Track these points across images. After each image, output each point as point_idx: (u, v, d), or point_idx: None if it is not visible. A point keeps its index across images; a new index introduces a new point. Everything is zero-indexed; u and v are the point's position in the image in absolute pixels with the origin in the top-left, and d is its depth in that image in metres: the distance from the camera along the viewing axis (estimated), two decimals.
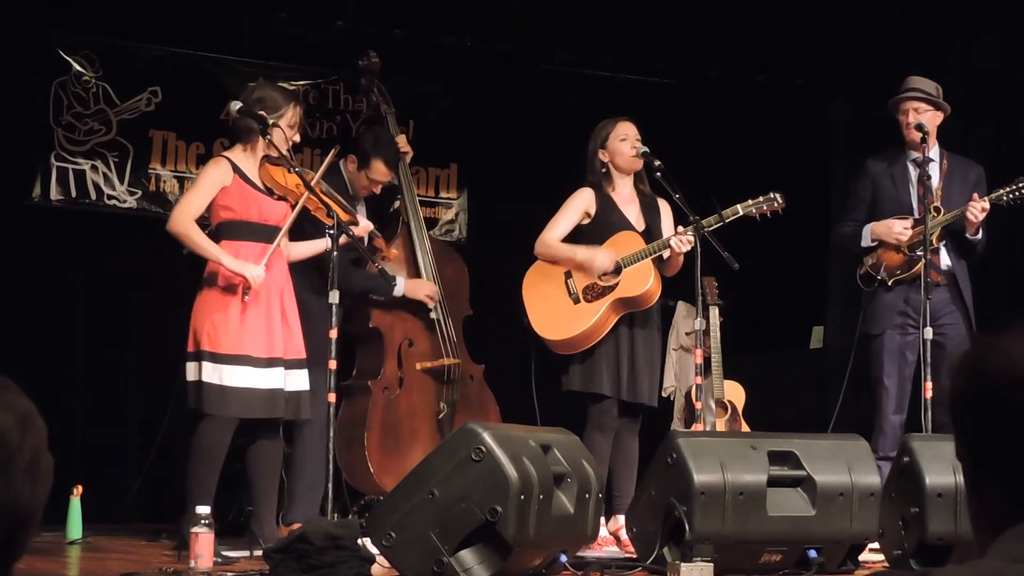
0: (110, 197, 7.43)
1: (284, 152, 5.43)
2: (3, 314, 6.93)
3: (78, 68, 7.37)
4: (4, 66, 7.13)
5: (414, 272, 6.45)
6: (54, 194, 7.30)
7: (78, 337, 7.36)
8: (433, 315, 6.41)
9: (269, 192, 5.48)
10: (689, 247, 5.88)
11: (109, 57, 7.44)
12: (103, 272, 7.36)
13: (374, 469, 6.19)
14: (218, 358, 5.30)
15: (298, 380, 5.49)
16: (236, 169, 5.45)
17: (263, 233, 5.46)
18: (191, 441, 5.38)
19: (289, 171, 5.44)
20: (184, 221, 5.37)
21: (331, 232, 5.35)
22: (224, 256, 5.34)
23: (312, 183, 5.41)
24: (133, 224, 7.48)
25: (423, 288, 6.35)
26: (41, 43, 7.29)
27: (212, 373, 5.29)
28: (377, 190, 6.38)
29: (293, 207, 5.52)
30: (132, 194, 7.47)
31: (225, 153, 5.60)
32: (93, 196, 7.39)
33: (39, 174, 7.28)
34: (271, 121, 5.36)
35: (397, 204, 6.68)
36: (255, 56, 7.72)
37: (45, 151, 7.29)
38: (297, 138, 5.52)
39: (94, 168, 7.39)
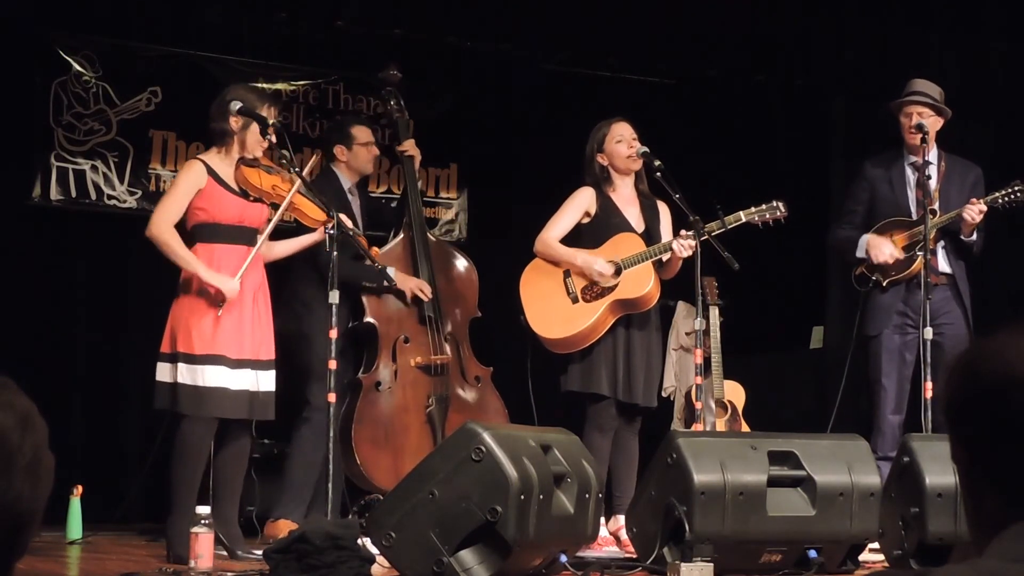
0: (110, 197, 7.43)
1: (260, 153, 5.43)
2: (3, 314, 6.93)
3: (78, 68, 7.37)
4: (4, 66, 7.13)
5: (412, 273, 6.45)
6: (54, 194, 7.30)
7: (78, 337, 7.37)
8: (428, 312, 6.42)
9: (245, 194, 5.44)
10: (690, 253, 5.88)
11: (109, 57, 7.44)
12: (103, 272, 7.36)
13: (361, 461, 6.20)
14: (193, 359, 5.27)
15: (268, 381, 5.45)
16: (210, 171, 5.40)
17: (240, 235, 5.43)
18: (173, 444, 5.35)
19: (269, 172, 5.43)
20: (163, 227, 5.33)
21: (331, 232, 5.35)
22: (200, 267, 5.30)
23: (296, 181, 5.39)
24: (133, 224, 7.44)
25: (410, 280, 6.36)
26: (41, 43, 7.29)
27: (187, 374, 5.26)
28: (375, 152, 6.51)
29: (271, 208, 5.51)
30: (132, 194, 7.47)
31: (199, 156, 5.57)
32: (93, 196, 7.39)
33: (39, 174, 7.28)
34: (272, 121, 5.36)
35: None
36: (255, 56, 7.72)
37: (45, 151, 7.29)
38: (273, 139, 5.48)
39: (94, 168, 7.40)
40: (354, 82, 7.91)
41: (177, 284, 5.40)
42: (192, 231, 5.41)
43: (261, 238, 5.46)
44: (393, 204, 7.05)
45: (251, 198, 5.45)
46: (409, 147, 6.62)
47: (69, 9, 7.30)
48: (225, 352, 5.30)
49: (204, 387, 5.26)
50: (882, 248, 6.28)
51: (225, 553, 5.30)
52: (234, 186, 5.43)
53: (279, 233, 5.74)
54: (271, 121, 5.37)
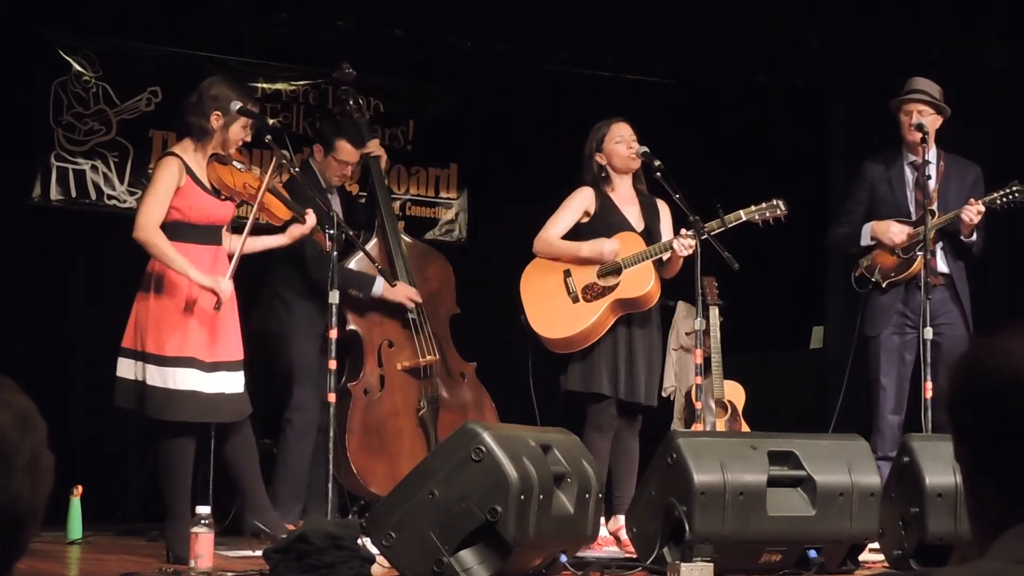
0: (110, 197, 7.43)
1: (234, 151, 5.36)
2: (3, 314, 6.93)
3: (78, 68, 7.36)
4: (4, 66, 7.13)
5: (390, 274, 6.42)
6: (54, 194, 7.30)
7: (78, 336, 7.36)
8: (411, 315, 6.39)
9: (216, 192, 5.36)
10: (690, 252, 5.87)
11: (109, 57, 7.44)
12: (103, 272, 7.36)
13: (357, 470, 6.17)
14: (164, 361, 5.19)
15: (237, 382, 5.36)
16: (187, 169, 5.31)
17: (209, 235, 5.35)
18: (156, 449, 5.32)
19: (240, 170, 5.34)
20: (150, 230, 5.22)
21: (331, 233, 5.34)
22: (191, 269, 5.21)
23: (264, 182, 5.32)
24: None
25: (401, 291, 6.33)
26: (41, 43, 7.28)
27: (156, 376, 5.19)
28: (348, 172, 6.39)
29: (238, 206, 5.47)
30: (132, 194, 7.46)
31: (175, 150, 5.43)
32: (93, 196, 7.39)
33: (39, 174, 7.28)
34: (227, 119, 5.29)
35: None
36: (255, 56, 7.72)
37: (45, 151, 7.28)
38: (248, 137, 5.40)
39: (94, 168, 7.39)
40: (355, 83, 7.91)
41: (145, 276, 5.31)
42: (162, 228, 5.29)
43: (242, 238, 5.36)
44: (363, 200, 6.96)
45: (222, 196, 5.37)
46: (373, 147, 6.54)
47: (69, 9, 7.30)
48: (197, 355, 5.22)
49: (175, 390, 5.18)
50: (890, 228, 6.27)
51: (268, 542, 5.28)
52: (207, 184, 5.34)
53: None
54: (271, 122, 5.35)
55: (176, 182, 5.28)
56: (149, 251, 5.27)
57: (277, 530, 5.31)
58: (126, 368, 5.27)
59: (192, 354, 5.21)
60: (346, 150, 6.28)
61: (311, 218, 5.52)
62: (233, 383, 5.34)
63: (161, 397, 5.18)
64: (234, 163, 5.37)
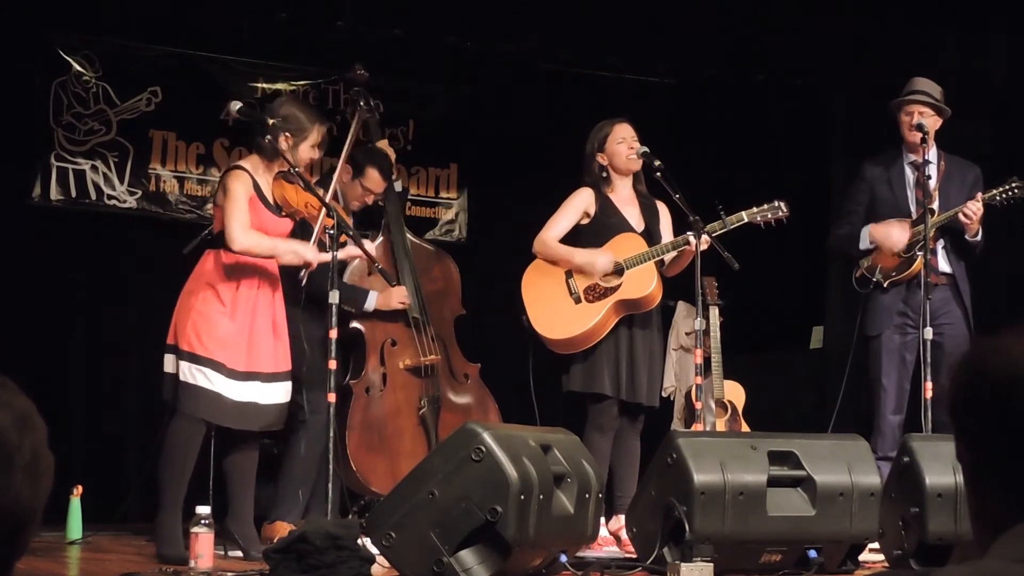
0: (110, 197, 7.43)
1: (302, 170, 5.42)
2: (3, 314, 6.93)
3: (78, 68, 7.36)
4: (4, 66, 7.13)
5: (393, 275, 6.41)
6: (54, 194, 7.30)
7: (78, 337, 7.36)
8: (413, 314, 6.40)
9: (277, 209, 5.47)
10: (706, 246, 5.85)
11: (109, 57, 7.44)
12: (103, 272, 7.36)
13: (357, 468, 6.19)
14: (196, 359, 5.27)
15: (276, 393, 5.44)
16: (254, 184, 5.41)
17: None
18: (163, 439, 5.37)
19: (305, 189, 5.42)
20: (244, 236, 5.30)
21: (331, 232, 5.35)
22: (294, 244, 5.42)
23: (327, 201, 5.44)
24: (133, 224, 7.48)
25: (394, 298, 6.33)
26: (41, 43, 7.28)
27: (187, 373, 5.27)
28: (370, 200, 6.40)
29: (296, 223, 5.53)
30: (132, 194, 7.46)
31: (243, 164, 5.50)
32: (93, 196, 7.39)
33: (39, 174, 7.28)
34: (296, 141, 5.38)
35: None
36: (255, 56, 7.72)
37: (45, 151, 7.28)
38: (317, 155, 5.52)
39: (94, 168, 7.39)
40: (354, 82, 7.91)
41: (192, 276, 5.40)
42: (218, 236, 5.39)
43: (311, 244, 5.51)
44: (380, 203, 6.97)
45: (283, 213, 5.48)
46: (382, 147, 6.58)
47: (69, 9, 7.30)
48: (226, 362, 5.30)
49: (204, 388, 5.26)
50: (890, 234, 6.26)
51: (240, 553, 5.32)
52: (271, 200, 5.45)
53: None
54: (271, 120, 5.36)
55: (247, 193, 5.37)
56: (253, 255, 5.37)
57: (250, 546, 5.34)
58: (169, 364, 5.37)
59: (220, 360, 5.29)
60: (375, 180, 6.31)
61: (370, 246, 5.70)
62: (270, 394, 5.42)
63: (192, 393, 5.28)
64: (300, 182, 5.43)
